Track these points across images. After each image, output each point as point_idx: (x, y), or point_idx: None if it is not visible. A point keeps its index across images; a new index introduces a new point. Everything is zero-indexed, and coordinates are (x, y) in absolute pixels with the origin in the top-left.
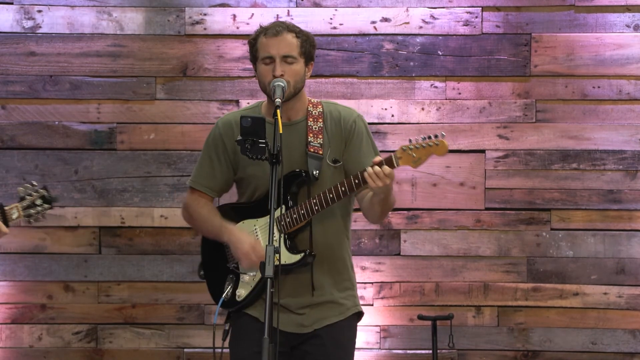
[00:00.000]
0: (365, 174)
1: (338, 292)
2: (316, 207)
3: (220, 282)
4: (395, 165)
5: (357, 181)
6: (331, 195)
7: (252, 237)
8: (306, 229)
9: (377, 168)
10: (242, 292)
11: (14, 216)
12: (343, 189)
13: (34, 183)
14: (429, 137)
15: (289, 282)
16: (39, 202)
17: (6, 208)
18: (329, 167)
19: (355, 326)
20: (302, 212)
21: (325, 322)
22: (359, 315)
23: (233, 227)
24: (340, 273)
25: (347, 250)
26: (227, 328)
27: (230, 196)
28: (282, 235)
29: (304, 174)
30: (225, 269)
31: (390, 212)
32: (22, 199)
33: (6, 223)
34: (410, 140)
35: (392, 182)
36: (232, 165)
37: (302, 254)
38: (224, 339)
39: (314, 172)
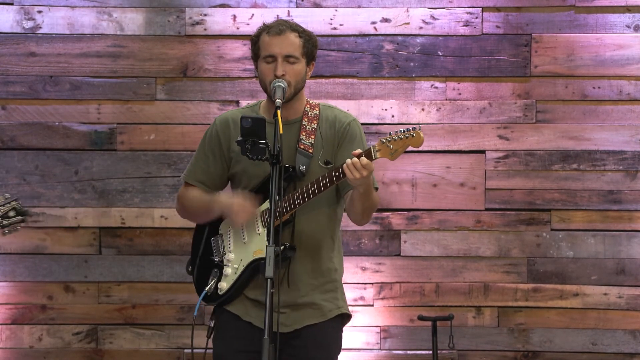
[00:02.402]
0: (344, 166)
1: (319, 294)
2: (298, 200)
3: (206, 277)
4: (374, 157)
5: (337, 174)
6: (312, 188)
7: (237, 197)
8: (290, 223)
9: (355, 159)
10: (223, 285)
11: None
12: (324, 181)
13: (7, 195)
14: (407, 130)
15: (277, 279)
16: (12, 213)
17: None
18: (320, 167)
19: (340, 328)
20: (286, 205)
21: (305, 323)
22: (344, 317)
23: (219, 197)
24: (324, 275)
25: (331, 254)
26: (211, 325)
27: None
28: (266, 228)
29: (291, 169)
30: (212, 264)
31: (390, 213)
32: None
33: None
34: (390, 133)
35: (371, 175)
36: (226, 162)
37: (282, 247)
38: (208, 337)
39: (301, 168)
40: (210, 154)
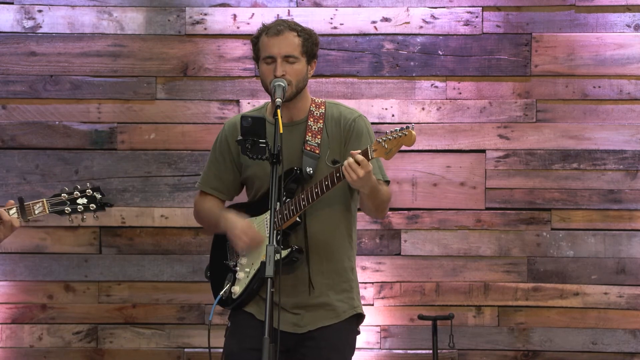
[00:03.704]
0: (342, 168)
1: (335, 295)
2: (303, 202)
3: (222, 282)
4: (370, 156)
5: (337, 174)
6: (316, 190)
7: (245, 221)
8: (300, 225)
9: (351, 160)
10: (237, 289)
11: (37, 210)
12: (327, 182)
13: (88, 185)
14: (400, 129)
15: (286, 280)
16: (81, 201)
17: (30, 202)
18: (328, 168)
19: (354, 329)
20: (292, 207)
21: (319, 324)
22: (358, 317)
23: (228, 214)
24: (339, 275)
25: (347, 252)
26: (228, 325)
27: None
28: (274, 231)
29: (298, 171)
30: (227, 269)
31: (390, 212)
32: (56, 195)
33: (25, 217)
34: (386, 133)
35: (370, 175)
36: (237, 167)
37: (290, 250)
38: (226, 336)
39: (308, 170)
40: (221, 159)
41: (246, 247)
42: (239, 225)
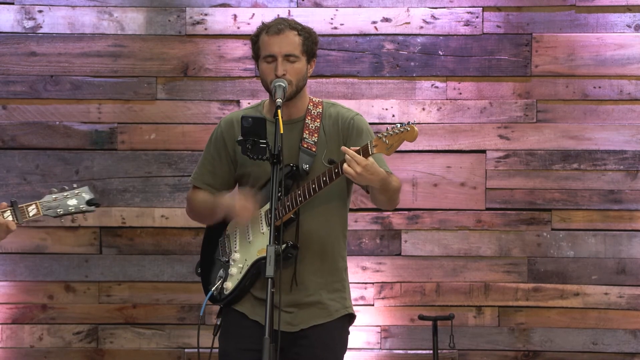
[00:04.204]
0: (344, 165)
1: (327, 294)
2: (300, 198)
3: (214, 278)
4: (370, 152)
5: (336, 170)
6: (313, 186)
7: (240, 198)
8: (294, 222)
9: (348, 158)
10: (229, 285)
11: (32, 213)
12: (324, 178)
13: (75, 185)
14: (402, 125)
15: (277, 278)
16: (72, 201)
17: (23, 205)
18: (324, 166)
19: (346, 328)
20: (288, 203)
21: (312, 323)
22: (350, 317)
23: (223, 199)
24: (332, 274)
25: (341, 252)
26: (218, 323)
27: None
28: (270, 227)
29: (294, 168)
30: (219, 265)
31: (390, 212)
32: (47, 196)
33: (20, 219)
34: (386, 129)
35: (371, 169)
36: (232, 163)
37: (285, 245)
38: (215, 334)
39: (304, 167)
40: (216, 155)
41: (250, 220)
42: (236, 204)
